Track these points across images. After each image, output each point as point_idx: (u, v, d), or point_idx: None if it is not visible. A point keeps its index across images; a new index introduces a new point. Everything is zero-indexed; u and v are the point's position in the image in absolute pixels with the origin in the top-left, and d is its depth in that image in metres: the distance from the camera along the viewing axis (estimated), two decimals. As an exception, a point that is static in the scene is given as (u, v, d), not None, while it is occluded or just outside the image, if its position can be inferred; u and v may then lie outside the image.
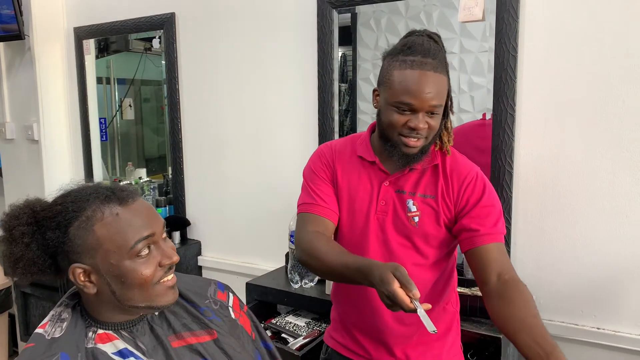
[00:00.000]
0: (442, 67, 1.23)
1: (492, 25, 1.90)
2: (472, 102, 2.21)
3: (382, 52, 1.32)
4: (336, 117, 2.25)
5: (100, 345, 0.99)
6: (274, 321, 2.01)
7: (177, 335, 1.07)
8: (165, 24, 2.66)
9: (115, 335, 1.01)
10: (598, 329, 1.80)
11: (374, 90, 1.31)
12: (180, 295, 1.12)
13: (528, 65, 1.83)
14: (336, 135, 2.26)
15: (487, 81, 2.02)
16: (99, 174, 3.19)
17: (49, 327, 1.00)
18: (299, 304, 2.03)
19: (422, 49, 1.23)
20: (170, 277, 1.02)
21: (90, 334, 1.00)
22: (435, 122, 1.25)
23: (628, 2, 1.66)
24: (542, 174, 1.85)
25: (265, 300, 2.07)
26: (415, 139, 1.24)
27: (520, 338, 1.12)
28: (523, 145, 1.87)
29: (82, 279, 0.97)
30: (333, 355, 1.48)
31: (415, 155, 1.28)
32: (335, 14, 2.19)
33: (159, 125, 3.56)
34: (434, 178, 1.31)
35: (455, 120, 2.23)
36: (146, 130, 3.52)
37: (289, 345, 1.83)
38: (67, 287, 2.69)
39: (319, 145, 2.27)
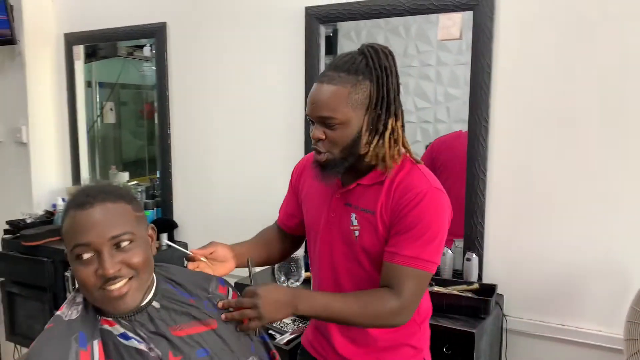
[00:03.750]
0: (345, 80, 1.21)
1: (468, 42, 2.04)
2: (447, 113, 2.34)
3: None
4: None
5: (107, 327, 1.07)
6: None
7: (178, 326, 1.13)
8: (157, 33, 2.76)
9: (115, 322, 1.08)
10: (562, 325, 1.95)
11: None
12: (182, 287, 1.20)
13: (502, 81, 1.98)
14: (321, 143, 2.38)
15: (462, 93, 2.14)
16: (86, 177, 3.25)
17: (65, 310, 1.09)
18: (285, 302, 2.13)
19: (334, 63, 1.25)
20: (115, 287, 1.03)
21: (98, 316, 1.08)
22: (336, 135, 1.22)
23: (594, 26, 1.83)
24: (512, 182, 2.00)
25: (252, 298, 2.16)
26: (318, 153, 1.26)
27: None
28: (496, 154, 2.02)
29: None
30: (302, 352, 1.56)
31: (328, 168, 1.27)
32: (322, 28, 2.32)
33: (138, 128, 3.61)
34: (377, 194, 1.27)
35: (432, 131, 2.38)
36: (124, 134, 3.58)
37: (277, 340, 1.93)
38: (55, 288, 2.73)
39: (304, 152, 2.40)
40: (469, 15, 2.02)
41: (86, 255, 1.02)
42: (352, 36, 2.38)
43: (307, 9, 2.32)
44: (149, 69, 3.22)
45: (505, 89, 1.98)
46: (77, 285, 1.15)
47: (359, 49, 1.27)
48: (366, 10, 2.19)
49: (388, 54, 1.24)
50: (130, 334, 1.07)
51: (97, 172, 3.37)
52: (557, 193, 1.92)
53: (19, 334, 2.97)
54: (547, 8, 1.89)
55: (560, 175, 1.91)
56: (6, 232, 2.96)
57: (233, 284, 2.23)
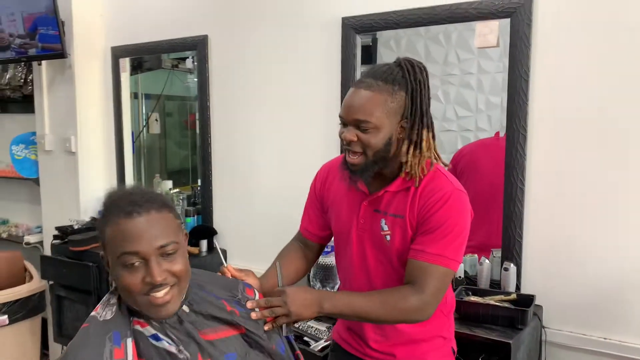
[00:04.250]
0: (383, 88, 1.27)
1: (507, 48, 2.01)
2: (489, 121, 2.32)
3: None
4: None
5: (139, 327, 1.12)
6: (296, 325, 2.13)
7: (207, 330, 1.17)
8: (199, 45, 2.84)
9: (146, 322, 1.13)
10: (605, 339, 1.89)
11: None
12: (212, 292, 1.23)
13: (539, 88, 1.95)
14: (358, 152, 2.40)
15: (504, 101, 2.11)
16: (129, 183, 3.36)
17: (100, 310, 1.14)
18: (321, 309, 2.15)
19: (372, 71, 1.32)
20: (160, 294, 1.08)
21: (131, 317, 1.13)
22: (369, 138, 1.28)
23: (633, 31, 1.78)
24: (552, 191, 1.96)
25: (288, 305, 2.19)
26: (351, 154, 1.31)
27: None
28: (534, 163, 1.98)
29: (107, 266, 1.13)
30: (335, 348, 1.61)
31: (358, 172, 1.33)
32: (358, 38, 2.34)
33: (182, 139, 3.72)
34: (405, 199, 1.35)
35: (474, 140, 2.36)
36: (169, 144, 3.68)
37: (311, 347, 1.95)
38: (100, 291, 2.83)
39: (341, 160, 2.43)
40: (507, 22, 2.00)
41: (134, 263, 1.06)
42: (392, 45, 2.39)
43: (344, 19, 2.35)
44: (193, 81, 3.32)
45: (544, 97, 1.95)
46: (112, 287, 1.21)
47: (395, 62, 1.34)
48: (402, 20, 2.20)
49: (423, 69, 1.32)
50: (161, 336, 1.11)
51: (142, 181, 3.47)
52: (598, 202, 1.87)
53: (66, 336, 3.08)
54: (587, 14, 1.85)
55: (602, 184, 1.86)
56: (55, 237, 3.09)
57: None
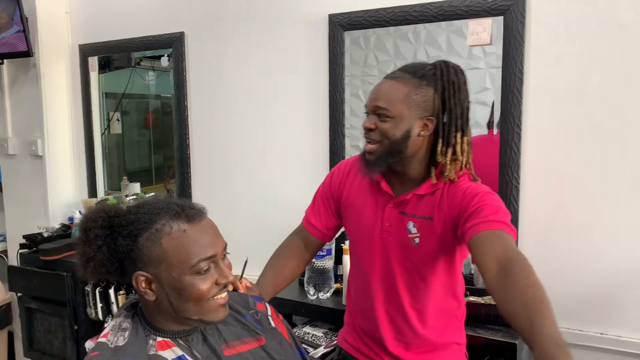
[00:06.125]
0: (409, 80, 1.28)
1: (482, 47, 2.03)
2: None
3: (370, 69, 1.43)
4: (347, 134, 2.33)
5: (161, 352, 1.04)
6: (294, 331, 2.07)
7: (228, 345, 1.13)
8: (175, 42, 2.73)
9: (172, 342, 1.07)
10: (602, 334, 1.91)
11: None
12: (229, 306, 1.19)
13: (534, 86, 1.95)
14: (347, 152, 2.35)
15: (473, 97, 2.08)
16: (101, 188, 3.22)
17: (111, 337, 1.05)
18: (316, 314, 2.10)
19: (405, 66, 1.35)
20: (224, 295, 1.08)
21: (150, 341, 1.06)
22: (387, 127, 1.29)
23: (631, 29, 1.79)
24: (547, 188, 1.96)
25: (282, 311, 2.12)
26: (368, 142, 1.34)
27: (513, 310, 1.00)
28: (529, 161, 1.98)
29: (144, 286, 1.03)
30: (346, 357, 1.56)
31: (372, 161, 1.33)
32: (346, 35, 2.29)
33: (141, 138, 3.58)
34: (433, 200, 1.34)
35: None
36: (129, 144, 3.54)
37: (311, 354, 1.89)
38: (75, 302, 2.69)
39: (329, 160, 2.37)
40: (498, 20, 1.98)
41: (205, 268, 1.03)
42: (361, 43, 2.32)
43: (331, 16, 2.29)
44: (153, 79, 3.20)
45: (538, 95, 1.94)
46: (122, 308, 1.13)
47: (433, 62, 1.34)
48: (392, 17, 2.16)
49: (459, 72, 1.31)
50: (187, 357, 1.05)
51: (105, 183, 3.31)
52: (595, 200, 1.88)
53: (38, 350, 2.93)
54: (581, 11, 1.85)
55: (599, 181, 1.87)
56: (22, 246, 2.92)
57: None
